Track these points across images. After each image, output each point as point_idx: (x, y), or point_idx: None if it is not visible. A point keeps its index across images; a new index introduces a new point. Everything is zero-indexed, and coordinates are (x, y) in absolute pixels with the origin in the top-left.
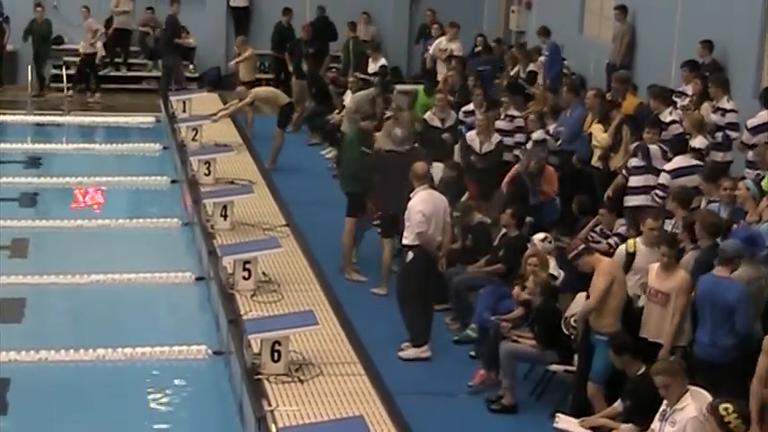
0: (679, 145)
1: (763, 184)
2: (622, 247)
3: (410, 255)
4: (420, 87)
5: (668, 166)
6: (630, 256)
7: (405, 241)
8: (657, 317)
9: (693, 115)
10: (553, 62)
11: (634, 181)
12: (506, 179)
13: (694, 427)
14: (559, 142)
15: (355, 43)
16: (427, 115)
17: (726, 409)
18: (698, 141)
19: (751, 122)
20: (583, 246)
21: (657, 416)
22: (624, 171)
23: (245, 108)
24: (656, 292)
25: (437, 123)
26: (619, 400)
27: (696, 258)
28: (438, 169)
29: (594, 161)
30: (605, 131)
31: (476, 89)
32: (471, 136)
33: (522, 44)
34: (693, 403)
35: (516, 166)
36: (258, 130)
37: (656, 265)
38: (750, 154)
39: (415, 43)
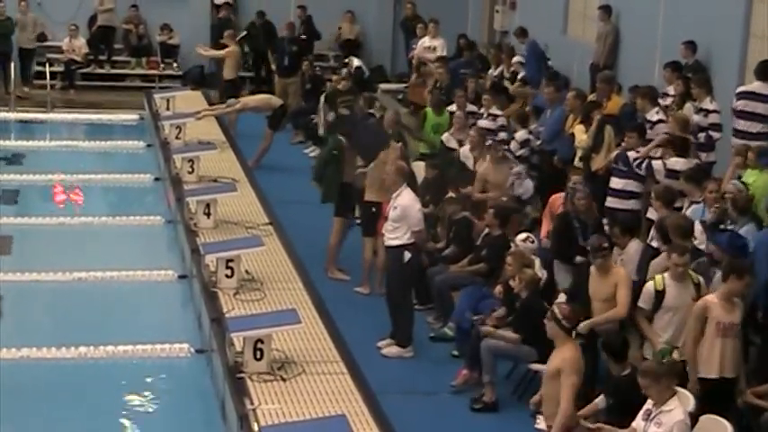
0: (682, 146)
1: (744, 179)
2: (649, 285)
3: (407, 255)
4: (428, 107)
5: (670, 164)
6: (660, 294)
7: (397, 242)
8: (734, 349)
9: (679, 114)
10: (530, 61)
11: (615, 183)
12: (552, 210)
13: (681, 430)
14: (539, 142)
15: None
16: (444, 136)
17: None
18: None
19: (741, 88)
20: (607, 244)
21: (641, 414)
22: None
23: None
24: (730, 326)
25: (454, 145)
26: (601, 396)
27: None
28: (420, 168)
29: (576, 162)
30: (587, 132)
31: (458, 90)
32: (465, 152)
33: (501, 44)
34: (681, 406)
35: (560, 203)
36: (242, 129)
37: (715, 299)
38: (739, 123)
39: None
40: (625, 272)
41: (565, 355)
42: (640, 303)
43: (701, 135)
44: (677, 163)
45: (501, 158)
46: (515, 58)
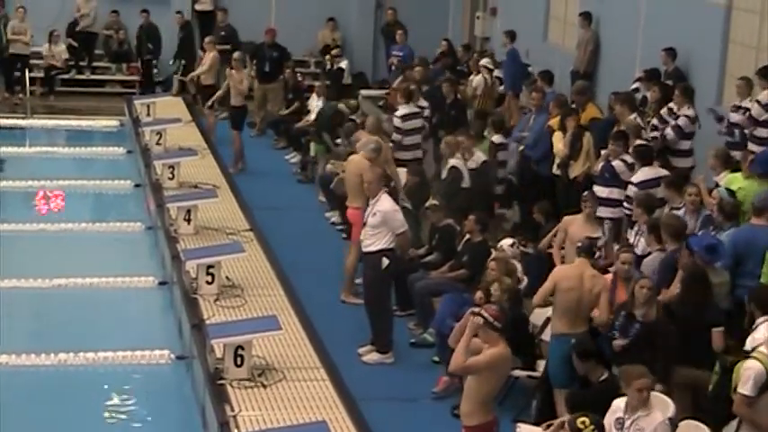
0: (645, 154)
1: (726, 185)
2: (757, 367)
3: (385, 261)
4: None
5: (635, 178)
6: None
7: (375, 247)
8: None
9: (630, 121)
10: (509, 68)
11: (600, 191)
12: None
13: (664, 430)
14: (521, 148)
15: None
16: (454, 161)
17: (583, 422)
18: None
19: (763, 97)
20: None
21: (613, 424)
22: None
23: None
24: None
25: (466, 180)
26: None
27: (661, 260)
28: (402, 175)
29: (554, 169)
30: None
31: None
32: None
33: (484, 51)
34: (656, 407)
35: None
36: (222, 135)
37: None
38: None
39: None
40: (557, 268)
41: (492, 351)
42: (747, 392)
43: (667, 130)
44: (643, 173)
45: (592, 216)
46: (483, 60)
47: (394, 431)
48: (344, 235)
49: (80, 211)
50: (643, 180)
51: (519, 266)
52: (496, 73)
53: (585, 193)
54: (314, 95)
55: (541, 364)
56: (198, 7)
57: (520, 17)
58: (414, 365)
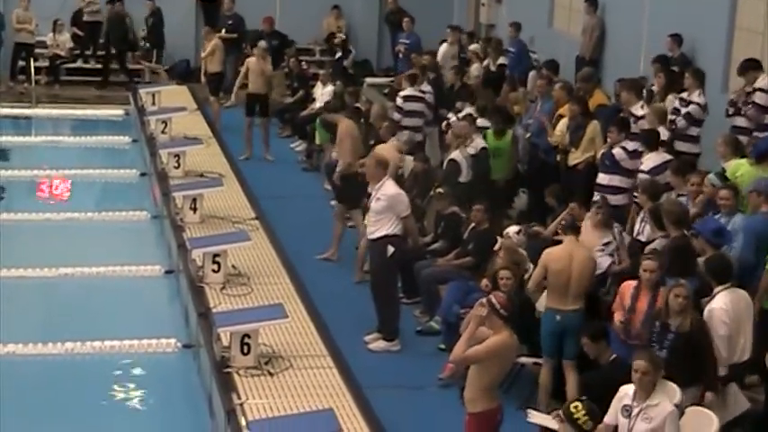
0: (651, 140)
1: (730, 171)
2: None
3: (390, 248)
4: (488, 129)
5: (644, 166)
6: None
7: (380, 233)
8: None
9: (656, 106)
10: (516, 57)
11: (602, 179)
12: (622, 300)
13: (673, 420)
14: (528, 135)
15: None
16: (454, 154)
17: (576, 407)
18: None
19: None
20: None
21: (619, 411)
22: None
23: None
24: None
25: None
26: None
27: (661, 247)
28: (408, 162)
29: (558, 156)
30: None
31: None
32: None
33: (489, 38)
34: (665, 396)
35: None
36: (228, 123)
37: None
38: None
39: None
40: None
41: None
42: None
43: (678, 118)
44: (651, 159)
45: (603, 223)
46: (472, 46)
47: (400, 419)
48: (351, 223)
49: (86, 200)
50: (652, 167)
51: (525, 254)
52: (501, 60)
53: (597, 198)
54: (319, 84)
55: None
56: None
57: (525, 4)
58: (420, 353)
